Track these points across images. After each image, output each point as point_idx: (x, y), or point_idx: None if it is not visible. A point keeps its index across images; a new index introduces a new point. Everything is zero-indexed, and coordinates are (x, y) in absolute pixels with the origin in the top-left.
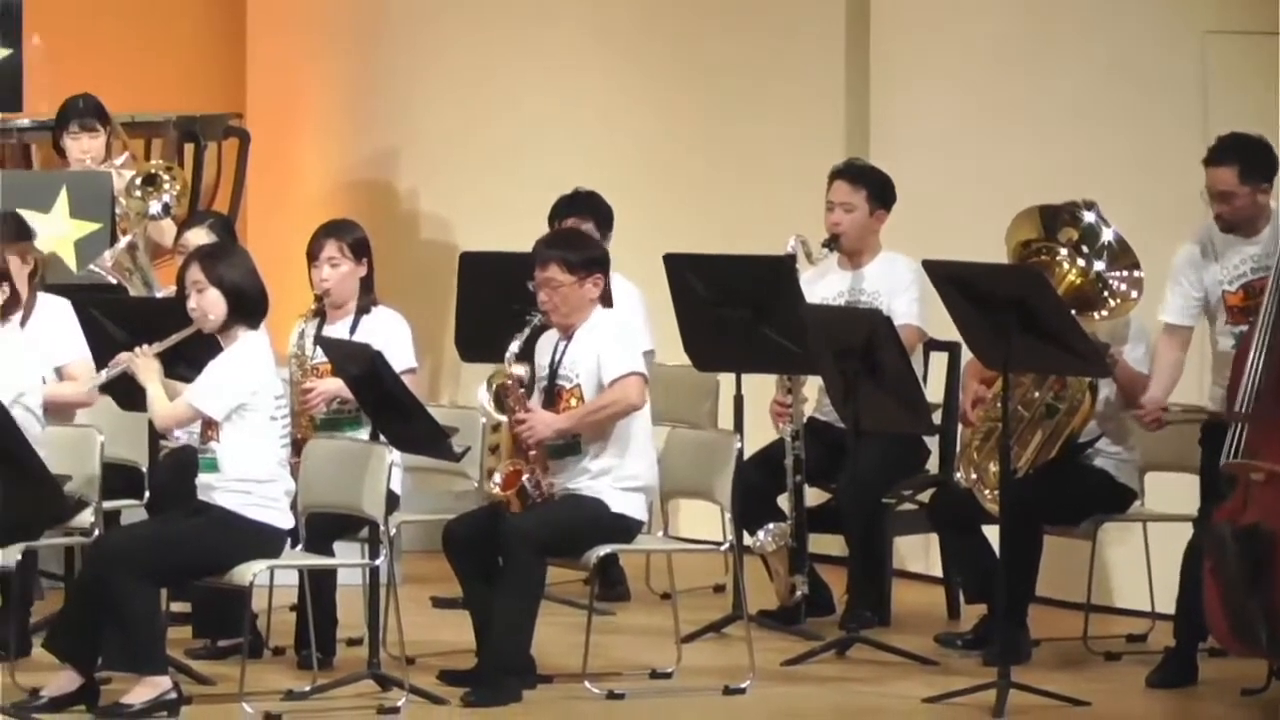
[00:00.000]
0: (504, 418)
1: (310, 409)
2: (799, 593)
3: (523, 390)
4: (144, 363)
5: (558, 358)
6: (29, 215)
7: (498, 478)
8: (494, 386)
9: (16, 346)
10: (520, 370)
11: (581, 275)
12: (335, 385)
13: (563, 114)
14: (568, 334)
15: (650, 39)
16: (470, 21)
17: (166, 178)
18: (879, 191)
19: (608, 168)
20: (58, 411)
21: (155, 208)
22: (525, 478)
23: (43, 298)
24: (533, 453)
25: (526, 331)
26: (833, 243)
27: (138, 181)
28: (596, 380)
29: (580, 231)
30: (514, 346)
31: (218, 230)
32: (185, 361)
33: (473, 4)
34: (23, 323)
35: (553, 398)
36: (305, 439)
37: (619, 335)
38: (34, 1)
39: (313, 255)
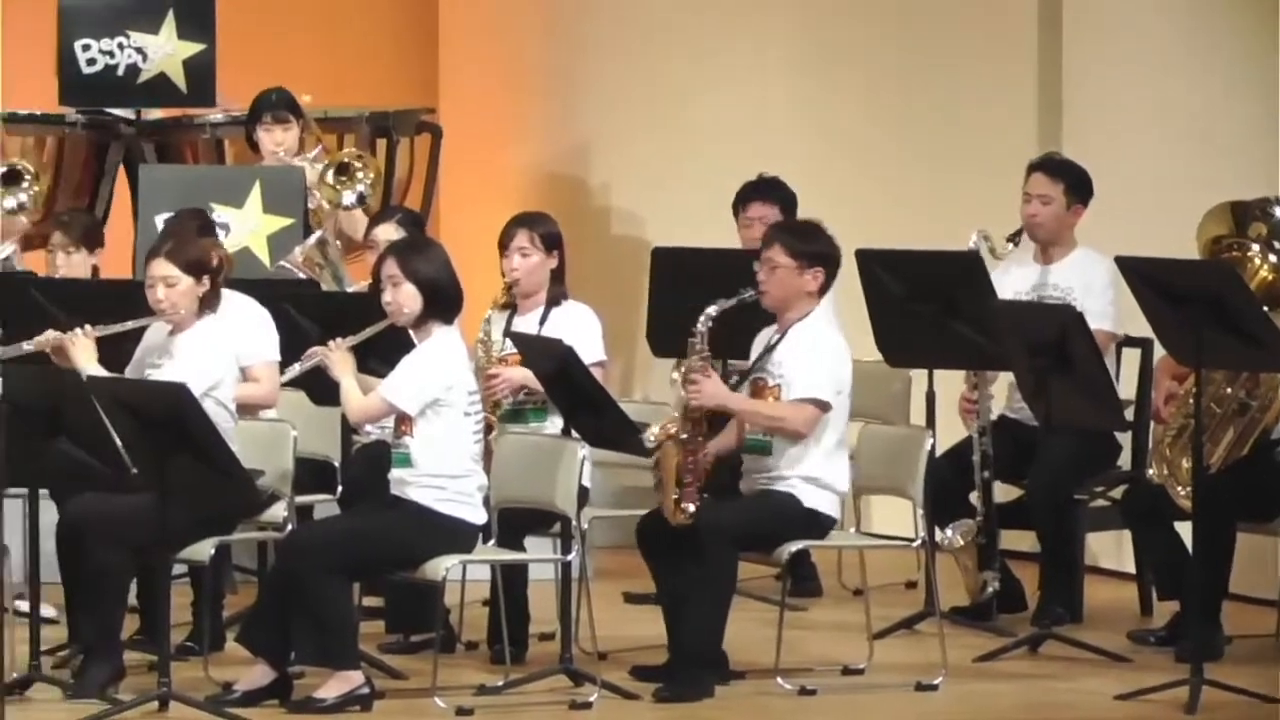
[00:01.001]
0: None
1: (494, 395)
2: (990, 589)
3: (707, 354)
4: (338, 356)
5: (769, 348)
6: (223, 210)
7: (681, 504)
8: (687, 351)
9: (213, 339)
10: (705, 328)
11: (803, 264)
12: (522, 374)
13: (756, 108)
14: (783, 329)
15: (842, 32)
16: (664, 14)
17: (359, 167)
18: (1077, 185)
19: (800, 161)
20: (244, 410)
21: (349, 198)
22: (680, 436)
23: (228, 294)
24: (699, 422)
25: (733, 300)
26: (1017, 236)
27: (331, 171)
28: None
29: (815, 225)
30: (712, 309)
31: (407, 225)
32: (377, 356)
33: None
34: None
35: (754, 388)
36: (490, 427)
37: (822, 358)
38: None
39: (504, 245)
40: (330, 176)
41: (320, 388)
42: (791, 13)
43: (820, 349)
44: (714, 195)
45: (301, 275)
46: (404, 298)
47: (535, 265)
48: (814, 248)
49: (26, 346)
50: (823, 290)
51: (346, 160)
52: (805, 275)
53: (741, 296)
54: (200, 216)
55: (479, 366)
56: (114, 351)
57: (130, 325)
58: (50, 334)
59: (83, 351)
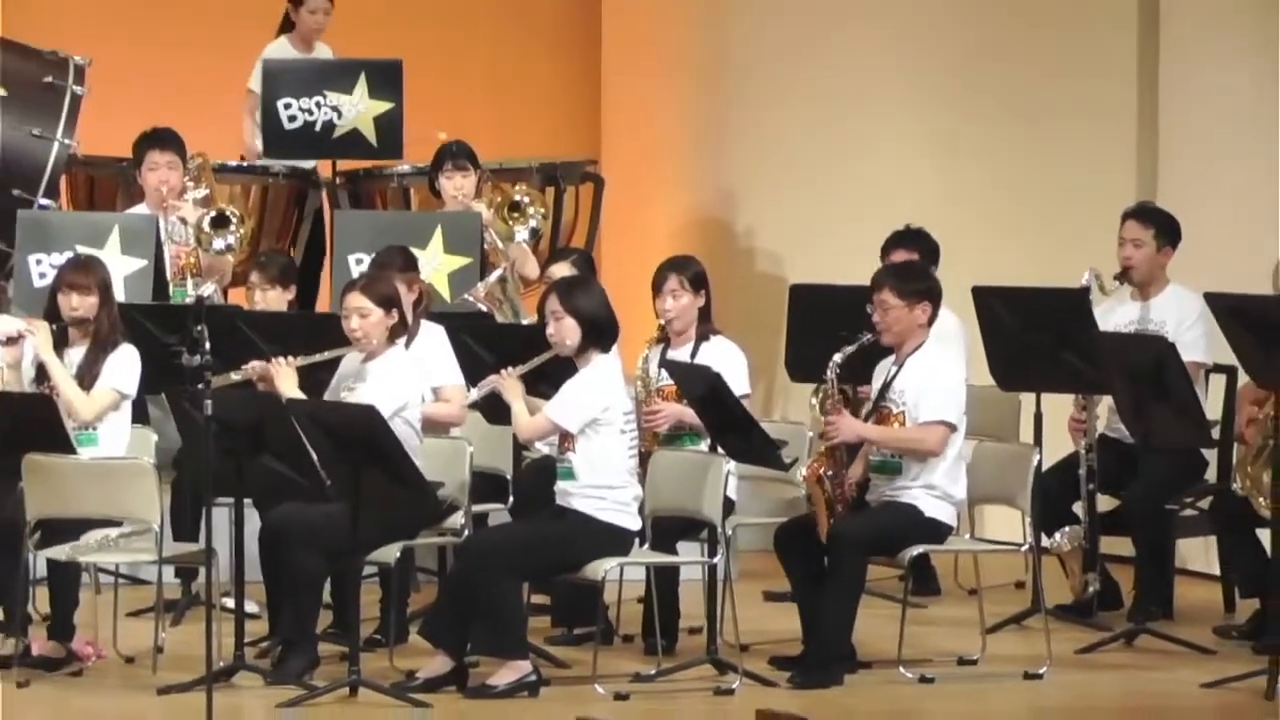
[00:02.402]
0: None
1: (655, 427)
2: (1091, 589)
3: (840, 395)
4: (510, 383)
5: (888, 381)
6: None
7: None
8: (820, 394)
9: (401, 366)
10: (833, 375)
11: (911, 301)
12: (678, 409)
13: (886, 160)
14: (899, 361)
15: (966, 94)
16: (805, 73)
17: (529, 203)
18: (1166, 230)
19: (927, 207)
20: (432, 427)
21: (522, 234)
22: (825, 472)
23: (425, 325)
24: (836, 453)
25: (854, 346)
26: (1123, 275)
27: (505, 209)
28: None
29: (916, 264)
30: (837, 357)
31: (579, 265)
32: (547, 381)
33: (809, 57)
34: (407, 344)
35: (880, 417)
36: (649, 451)
37: (943, 384)
38: (412, 61)
39: (657, 287)
40: (505, 213)
41: (494, 409)
42: (920, 76)
43: (939, 375)
44: (848, 236)
45: (482, 309)
46: (565, 330)
47: (685, 305)
48: (919, 285)
49: (234, 376)
50: (930, 320)
51: (517, 198)
52: (915, 310)
53: (860, 341)
54: (404, 253)
55: (639, 399)
56: (311, 376)
57: (329, 355)
58: (256, 364)
59: (286, 379)
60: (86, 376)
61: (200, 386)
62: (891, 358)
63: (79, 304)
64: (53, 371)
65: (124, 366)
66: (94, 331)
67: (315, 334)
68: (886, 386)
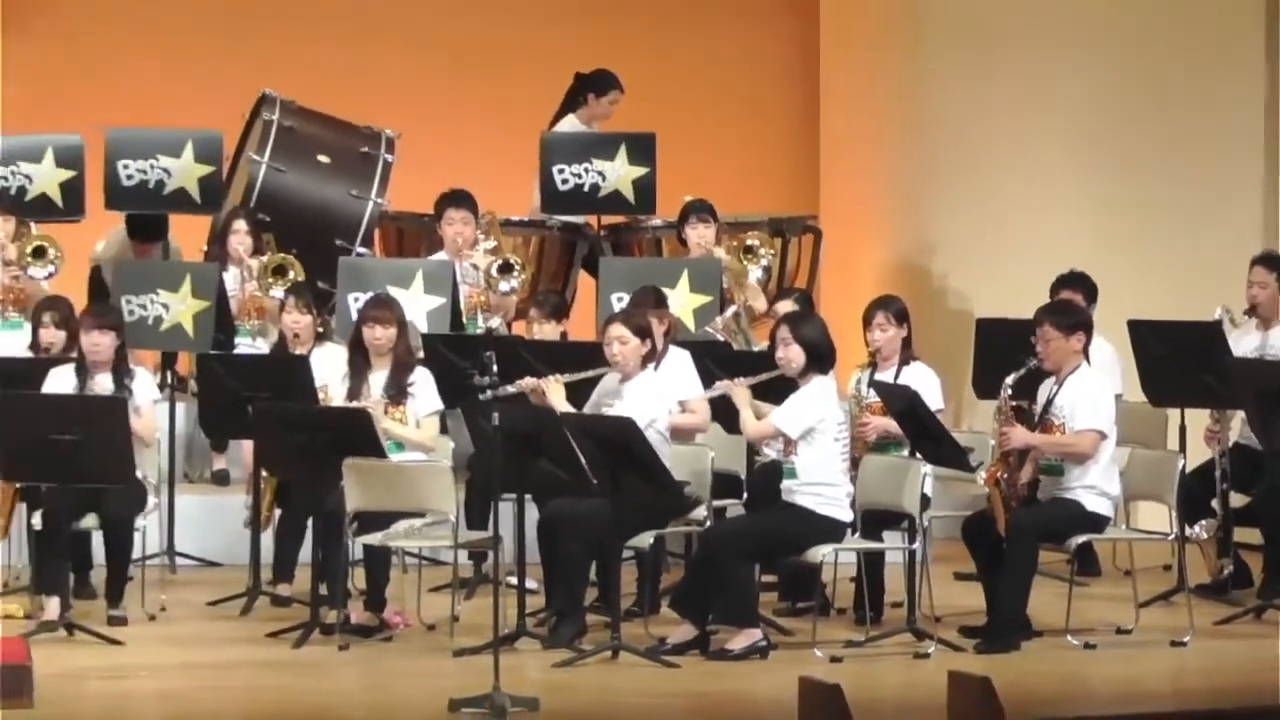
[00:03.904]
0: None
1: (865, 437)
2: (1226, 571)
3: (1014, 407)
4: (739, 391)
5: (1051, 397)
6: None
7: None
8: (998, 409)
9: (652, 386)
10: (1006, 394)
11: (1067, 333)
12: (886, 423)
13: (1055, 214)
14: (1059, 381)
15: (1120, 160)
16: (989, 147)
17: (760, 245)
18: None
19: (1087, 251)
20: (680, 435)
21: (755, 273)
22: (1001, 476)
23: (673, 350)
24: (1010, 458)
25: (1022, 370)
26: (1250, 311)
27: (741, 252)
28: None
29: (1070, 302)
30: (1009, 379)
31: (800, 301)
32: (774, 395)
33: (992, 134)
34: (656, 367)
35: (1047, 426)
36: (860, 456)
37: (1093, 396)
38: (663, 133)
39: (867, 321)
40: (742, 255)
41: (729, 418)
42: (1080, 152)
43: (1092, 391)
44: (1020, 278)
45: (719, 338)
46: (792, 355)
47: (891, 337)
48: (1074, 320)
49: (509, 389)
50: (1085, 348)
51: (750, 243)
52: (1071, 340)
53: (1028, 366)
54: (656, 292)
55: (852, 413)
56: (576, 393)
57: (591, 374)
58: (529, 379)
59: (555, 392)
60: (392, 391)
61: (489, 401)
62: (1053, 379)
63: (381, 335)
64: (396, 432)
65: (430, 389)
66: (394, 357)
67: (582, 359)
68: (1049, 402)
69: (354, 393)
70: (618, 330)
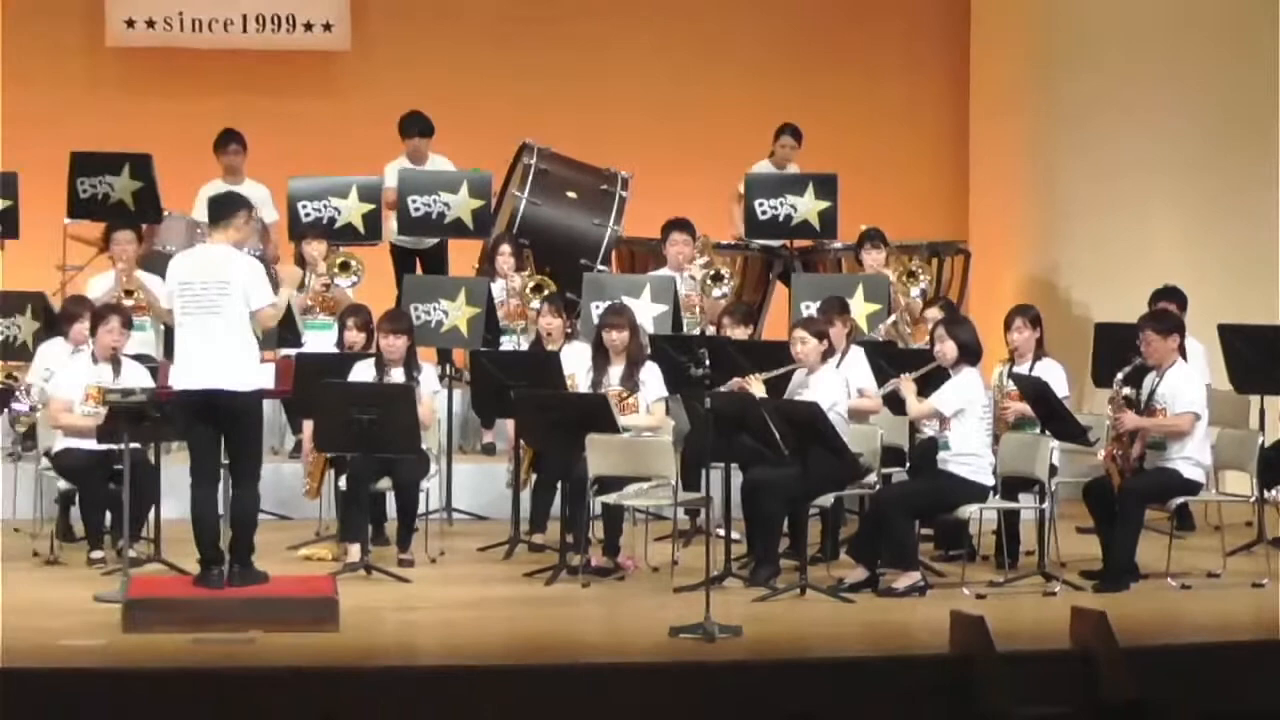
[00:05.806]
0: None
1: (1005, 418)
2: None
3: (1124, 397)
4: (906, 384)
5: (1154, 388)
6: None
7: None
8: (1111, 398)
9: (833, 379)
10: (1118, 385)
11: (1164, 334)
12: (1022, 407)
13: (1156, 236)
14: (1160, 374)
15: (1211, 189)
16: (1110, 186)
17: (918, 268)
18: None
19: (1183, 269)
20: (857, 416)
21: (916, 291)
22: (1116, 453)
23: (852, 348)
24: (1123, 438)
25: (1130, 367)
26: None
27: (904, 274)
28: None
29: (1166, 310)
30: (1120, 374)
31: (945, 307)
32: (931, 385)
33: (1111, 175)
34: (838, 363)
35: (1151, 411)
36: (1001, 434)
37: (1188, 386)
38: (843, 172)
39: (1007, 324)
40: (905, 276)
41: (896, 407)
42: (1178, 192)
43: (1187, 382)
44: (1129, 289)
45: (881, 339)
46: (948, 350)
47: (1027, 337)
48: (1169, 324)
49: (721, 390)
50: (1180, 347)
51: (913, 269)
52: (1168, 341)
53: (1134, 363)
54: (839, 302)
55: (995, 399)
56: (772, 389)
57: (780, 371)
58: (736, 380)
59: (756, 387)
60: (627, 382)
61: (704, 384)
62: (1155, 372)
63: (617, 336)
64: (638, 422)
65: (657, 379)
66: (627, 354)
67: (774, 356)
68: (1153, 392)
69: (596, 383)
70: (800, 334)
